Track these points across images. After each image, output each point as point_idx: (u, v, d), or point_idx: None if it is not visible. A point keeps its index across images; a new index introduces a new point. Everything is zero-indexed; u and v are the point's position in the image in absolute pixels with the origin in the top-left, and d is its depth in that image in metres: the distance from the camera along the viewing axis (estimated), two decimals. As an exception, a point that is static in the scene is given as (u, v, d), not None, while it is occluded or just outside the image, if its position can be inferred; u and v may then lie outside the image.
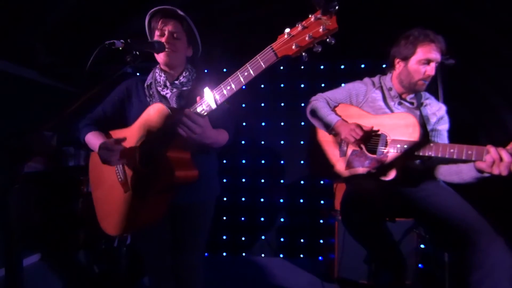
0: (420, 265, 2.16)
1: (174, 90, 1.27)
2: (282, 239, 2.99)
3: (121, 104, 1.31)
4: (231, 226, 3.04)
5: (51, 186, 2.69)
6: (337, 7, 0.81)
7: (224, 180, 3.07)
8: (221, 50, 2.70)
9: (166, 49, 1.20)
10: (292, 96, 3.02)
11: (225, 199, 3.05)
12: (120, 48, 1.00)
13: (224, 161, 3.08)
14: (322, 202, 2.87)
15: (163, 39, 1.21)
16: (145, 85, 1.30)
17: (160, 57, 1.24)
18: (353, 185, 1.38)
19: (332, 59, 2.94)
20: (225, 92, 0.97)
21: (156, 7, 1.22)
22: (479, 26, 2.08)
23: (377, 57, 2.60)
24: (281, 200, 3.01)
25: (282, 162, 3.04)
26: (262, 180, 3.05)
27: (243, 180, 3.06)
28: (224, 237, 3.05)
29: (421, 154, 1.24)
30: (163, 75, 1.28)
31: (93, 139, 1.23)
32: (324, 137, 1.58)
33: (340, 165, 1.48)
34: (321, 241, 2.81)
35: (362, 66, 2.89)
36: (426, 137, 1.43)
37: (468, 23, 2.09)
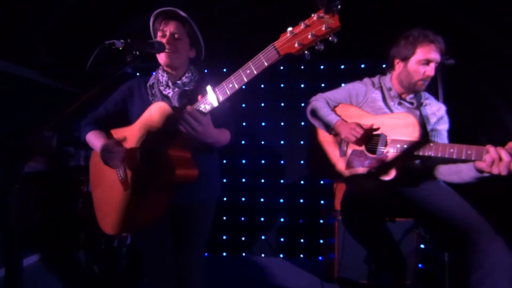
0: (420, 265, 2.16)
1: (176, 89, 1.27)
2: (282, 239, 2.99)
3: (123, 103, 1.32)
4: (231, 226, 3.04)
5: (51, 186, 2.69)
6: (339, 6, 0.82)
7: (224, 180, 3.07)
8: (221, 50, 2.71)
9: (167, 50, 1.21)
10: (292, 96, 3.02)
11: (225, 199, 3.06)
12: (120, 48, 1.00)
13: (224, 161, 3.08)
14: (322, 202, 2.87)
15: (164, 40, 1.21)
16: (148, 85, 1.31)
17: (161, 58, 1.24)
18: (353, 185, 1.38)
19: (332, 59, 2.94)
20: (227, 90, 0.97)
21: (159, 9, 1.23)
22: (479, 26, 2.08)
23: (377, 57, 2.60)
24: (281, 200, 3.01)
25: (282, 162, 3.04)
26: (262, 180, 3.05)
27: (243, 180, 3.06)
28: (224, 237, 3.05)
29: (420, 154, 1.24)
30: (165, 75, 1.28)
31: (94, 139, 1.24)
32: (324, 137, 1.58)
33: (340, 165, 1.48)
34: (321, 241, 2.81)
35: (362, 66, 2.89)
36: (425, 137, 1.43)
37: (468, 23, 2.09)
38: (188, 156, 1.14)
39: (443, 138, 1.46)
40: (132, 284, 2.26)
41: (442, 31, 1.39)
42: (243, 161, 3.07)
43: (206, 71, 2.95)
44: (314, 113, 1.56)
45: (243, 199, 3.06)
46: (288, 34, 0.90)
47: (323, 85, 2.93)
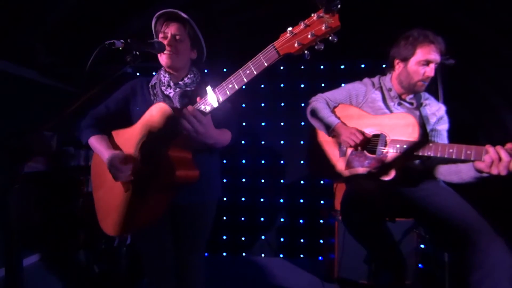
0: (420, 265, 2.16)
1: (178, 89, 1.27)
2: (282, 239, 2.99)
3: (125, 102, 1.32)
4: (231, 226, 3.04)
5: (51, 186, 2.69)
6: (339, 6, 0.82)
7: (224, 180, 3.07)
8: (221, 50, 2.71)
9: (168, 51, 1.21)
10: (292, 96, 3.02)
11: (225, 199, 3.06)
12: (120, 48, 1.00)
13: (224, 161, 3.08)
14: (322, 202, 2.87)
15: (165, 42, 1.22)
16: (150, 85, 1.32)
17: (163, 59, 1.25)
18: (353, 185, 1.38)
19: (332, 59, 2.94)
20: (227, 90, 0.97)
21: (161, 11, 1.24)
22: (479, 26, 2.08)
23: (377, 57, 2.60)
24: (281, 200, 3.01)
25: (282, 162, 3.04)
26: (262, 180, 3.05)
27: (243, 180, 3.06)
28: (224, 237, 3.05)
29: (420, 154, 1.24)
30: (167, 75, 1.29)
31: (99, 146, 1.23)
32: (324, 137, 1.58)
33: (340, 165, 1.48)
34: (321, 241, 2.81)
35: (362, 66, 2.89)
36: (425, 137, 1.43)
37: (468, 23, 2.09)
38: (189, 156, 1.14)
39: (443, 138, 1.46)
40: (132, 284, 2.26)
41: (442, 31, 1.39)
42: (243, 161, 3.07)
43: (206, 71, 2.95)
44: (314, 114, 1.56)
45: (243, 199, 3.06)
46: (288, 34, 0.89)
47: (323, 85, 2.93)
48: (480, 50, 2.26)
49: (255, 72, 0.93)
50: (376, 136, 1.41)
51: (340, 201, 1.33)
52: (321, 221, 2.82)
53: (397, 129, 1.36)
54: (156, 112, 1.12)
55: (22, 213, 2.47)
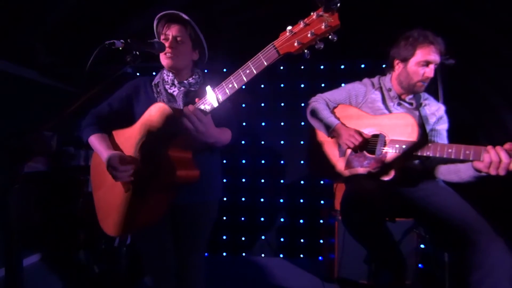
0: (420, 265, 2.16)
1: (182, 88, 1.28)
2: (282, 239, 2.99)
3: (127, 100, 1.32)
4: (231, 226, 3.04)
5: (51, 186, 2.70)
6: (338, 4, 0.82)
7: (224, 180, 3.07)
8: (221, 50, 2.71)
9: (169, 53, 1.22)
10: (292, 96, 3.02)
11: (225, 199, 3.06)
12: (120, 48, 1.00)
13: (224, 161, 3.08)
14: (322, 202, 2.87)
15: (167, 44, 1.22)
16: (153, 83, 1.32)
17: (164, 61, 1.25)
18: (353, 185, 1.38)
19: (332, 59, 2.94)
20: (227, 90, 0.97)
21: (162, 12, 1.24)
22: (479, 26, 2.08)
23: (377, 57, 2.60)
24: (281, 200, 3.01)
25: (282, 162, 3.04)
26: (262, 180, 3.05)
27: (243, 180, 3.06)
28: (224, 237, 3.05)
29: (419, 154, 1.24)
30: (171, 75, 1.29)
31: (98, 145, 1.22)
32: (323, 137, 1.58)
33: (339, 165, 1.48)
34: (321, 241, 2.81)
35: (362, 66, 2.89)
36: (424, 137, 1.43)
37: (468, 23, 2.09)
38: (189, 156, 1.14)
39: (443, 138, 1.46)
40: (132, 284, 2.26)
41: (442, 31, 1.39)
42: (243, 161, 3.07)
43: (206, 71, 2.95)
44: (313, 114, 1.56)
45: (243, 199, 3.06)
46: (288, 33, 0.89)
47: (323, 85, 2.93)
48: (480, 50, 2.26)
49: (255, 72, 0.93)
50: (376, 136, 1.41)
51: (340, 201, 1.33)
52: (321, 221, 2.82)
53: (396, 129, 1.36)
54: (155, 112, 1.12)
55: (22, 213, 2.47)
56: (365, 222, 1.22)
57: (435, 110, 1.49)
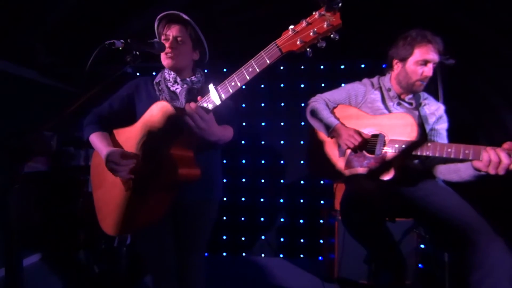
0: (420, 265, 2.16)
1: (185, 85, 1.28)
2: (282, 239, 2.99)
3: (128, 100, 1.32)
4: (231, 226, 3.04)
5: (51, 186, 2.70)
6: (340, 4, 0.83)
7: (224, 180, 3.07)
8: (221, 50, 2.71)
9: (169, 53, 1.22)
10: (292, 96, 3.02)
11: (225, 199, 3.06)
12: (120, 48, 1.00)
13: (224, 161, 3.08)
14: (322, 202, 2.87)
15: (167, 44, 1.23)
16: (154, 82, 1.32)
17: (165, 61, 1.26)
18: (352, 185, 1.38)
19: (332, 59, 2.94)
20: (229, 88, 0.98)
21: (162, 13, 1.24)
22: (479, 26, 2.08)
23: (377, 57, 2.60)
24: (281, 200, 3.01)
25: (282, 162, 3.04)
26: (262, 180, 3.05)
27: (243, 180, 3.06)
28: (224, 237, 3.05)
29: (419, 153, 1.24)
30: (172, 73, 1.29)
31: (98, 143, 1.22)
32: (323, 137, 1.58)
33: (339, 165, 1.48)
34: (321, 241, 2.81)
35: (362, 66, 2.89)
36: (424, 137, 1.43)
37: (468, 23, 2.09)
38: (190, 155, 1.14)
39: (443, 137, 1.47)
40: (132, 284, 2.26)
41: (442, 31, 1.39)
42: (243, 161, 3.07)
43: (206, 71, 2.94)
44: (313, 114, 1.57)
45: (243, 199, 3.06)
46: (290, 32, 0.90)
47: (323, 85, 2.93)
48: (480, 50, 2.26)
49: (257, 70, 0.93)
50: (375, 136, 1.42)
51: (340, 201, 1.33)
52: (321, 221, 2.82)
53: (396, 129, 1.36)
54: (156, 110, 1.12)
55: (22, 213, 2.47)
56: (365, 222, 1.22)
57: (434, 110, 1.49)
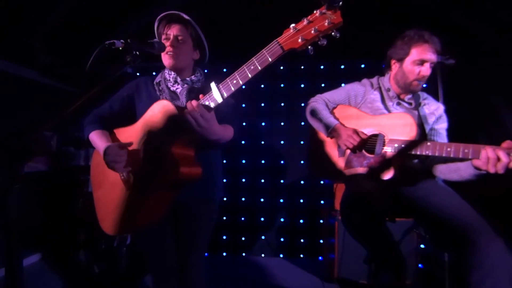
0: (420, 265, 2.16)
1: (185, 85, 1.28)
2: (282, 239, 2.99)
3: (128, 100, 1.32)
4: (231, 226, 3.04)
5: (51, 186, 2.69)
6: (341, 2, 0.84)
7: (224, 180, 3.07)
8: (221, 50, 2.71)
9: (170, 52, 1.22)
10: (292, 96, 3.02)
11: (225, 199, 3.05)
12: (120, 48, 1.00)
13: (224, 161, 3.08)
14: (322, 202, 2.87)
15: (168, 43, 1.23)
16: (154, 82, 1.33)
17: (166, 60, 1.26)
18: (352, 185, 1.38)
19: (332, 59, 2.94)
20: (231, 86, 0.98)
21: (163, 13, 1.24)
22: (479, 26, 2.08)
23: (377, 57, 2.58)
24: (281, 200, 3.01)
25: (282, 162, 3.04)
26: (262, 180, 3.05)
27: (243, 180, 3.06)
28: (224, 237, 3.05)
29: (418, 153, 1.24)
30: (173, 73, 1.30)
31: (97, 140, 1.23)
32: (323, 137, 1.58)
33: (339, 165, 1.48)
34: (321, 241, 2.81)
35: (362, 66, 2.89)
36: (423, 136, 1.43)
37: (468, 23, 2.10)
38: (191, 154, 1.14)
39: (443, 137, 1.47)
40: (132, 284, 2.26)
41: (443, 31, 1.39)
42: (243, 161, 3.07)
43: (206, 71, 2.94)
44: (313, 114, 1.57)
45: (243, 199, 3.06)
46: (292, 30, 0.91)
47: (323, 85, 2.93)
48: (480, 50, 2.26)
49: (259, 68, 0.94)
50: (375, 136, 1.42)
51: (340, 201, 1.33)
52: (321, 221, 2.82)
53: (395, 128, 1.36)
54: (158, 110, 1.12)
55: (22, 213, 2.47)
56: (365, 222, 1.22)
57: (434, 110, 1.49)
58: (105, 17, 2.31)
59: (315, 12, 0.89)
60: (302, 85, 3.01)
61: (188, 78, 1.30)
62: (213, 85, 1.01)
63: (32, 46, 2.39)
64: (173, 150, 1.08)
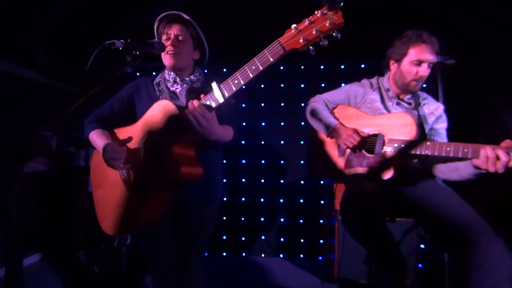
0: (420, 265, 2.16)
1: (185, 85, 1.28)
2: (282, 239, 2.99)
3: (128, 100, 1.33)
4: (231, 226, 3.04)
5: (51, 186, 2.69)
6: (342, 3, 0.84)
7: (224, 180, 3.07)
8: (221, 50, 2.70)
9: (171, 52, 1.23)
10: (292, 96, 3.02)
11: (225, 199, 3.05)
12: (120, 48, 1.00)
13: (224, 161, 3.08)
14: (322, 202, 2.87)
15: (168, 43, 1.23)
16: (154, 82, 1.33)
17: (166, 60, 1.26)
18: (352, 185, 1.38)
19: (332, 59, 2.94)
20: (233, 86, 0.98)
21: (163, 13, 1.25)
22: (479, 26, 2.08)
23: (377, 57, 2.58)
24: (281, 200, 3.01)
25: (282, 162, 3.04)
26: (262, 180, 3.05)
27: (243, 180, 3.06)
28: (224, 237, 3.05)
29: (418, 152, 1.24)
30: (172, 73, 1.30)
31: (97, 139, 1.23)
32: (323, 137, 1.58)
33: (339, 165, 1.48)
34: (321, 241, 2.81)
35: (362, 66, 2.89)
36: (423, 136, 1.43)
37: (468, 23, 2.10)
38: (192, 154, 1.14)
39: (442, 137, 1.47)
40: (132, 284, 2.26)
41: (442, 31, 1.39)
42: (243, 161, 3.07)
43: (206, 71, 2.95)
44: (313, 115, 1.57)
45: (243, 199, 3.06)
46: (293, 30, 0.91)
47: (323, 85, 2.93)
48: (480, 50, 2.26)
49: (260, 68, 0.94)
50: (375, 135, 1.42)
51: (340, 201, 1.33)
52: (321, 221, 2.82)
53: (395, 128, 1.36)
54: (158, 109, 1.12)
55: (22, 213, 2.47)
56: (365, 222, 1.22)
57: (434, 109, 1.49)
58: (105, 17, 2.31)
59: (316, 12, 0.89)
60: (302, 85, 3.01)
61: (187, 78, 1.30)
62: (214, 85, 1.01)
63: (32, 46, 2.39)
64: (174, 150, 1.08)
